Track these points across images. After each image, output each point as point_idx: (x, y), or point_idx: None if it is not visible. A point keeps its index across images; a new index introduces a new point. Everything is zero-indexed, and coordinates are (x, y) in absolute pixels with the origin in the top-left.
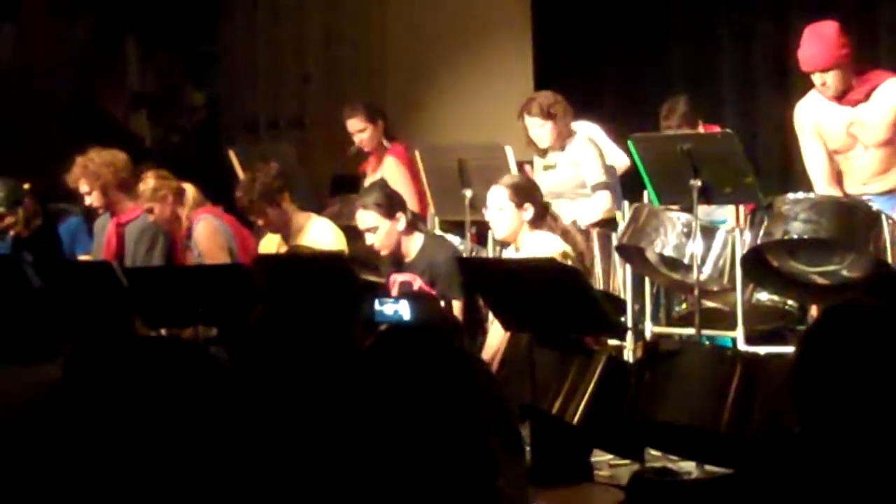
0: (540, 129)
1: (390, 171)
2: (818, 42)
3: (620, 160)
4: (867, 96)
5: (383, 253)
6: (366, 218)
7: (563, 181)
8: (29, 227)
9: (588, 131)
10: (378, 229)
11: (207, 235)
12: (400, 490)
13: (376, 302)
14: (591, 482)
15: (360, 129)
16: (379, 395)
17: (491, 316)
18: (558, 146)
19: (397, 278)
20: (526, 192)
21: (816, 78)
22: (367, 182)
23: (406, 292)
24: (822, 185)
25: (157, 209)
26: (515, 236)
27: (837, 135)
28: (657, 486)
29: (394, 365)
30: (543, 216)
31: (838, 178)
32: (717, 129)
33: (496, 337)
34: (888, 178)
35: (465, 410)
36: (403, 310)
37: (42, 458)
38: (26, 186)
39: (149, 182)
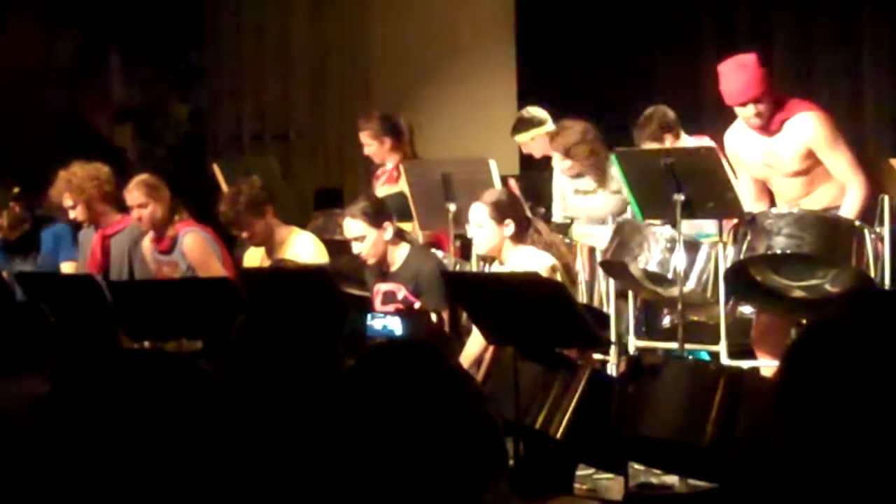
0: (561, 164)
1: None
2: (744, 73)
3: None
4: (780, 127)
5: (370, 262)
6: (353, 227)
7: (602, 207)
8: (16, 231)
9: None
10: (365, 238)
11: (200, 247)
12: (388, 502)
13: (368, 316)
14: (572, 496)
15: (366, 144)
16: (369, 409)
17: (470, 326)
18: (594, 177)
19: (381, 288)
20: (507, 208)
21: (748, 109)
22: (382, 192)
23: (398, 308)
24: (749, 204)
25: (151, 207)
26: (498, 252)
27: (755, 164)
28: (650, 501)
29: (386, 379)
30: (526, 231)
31: (769, 194)
32: (704, 137)
33: (473, 346)
34: (813, 199)
35: (455, 426)
36: (394, 324)
37: (33, 469)
38: (16, 190)
39: (146, 179)
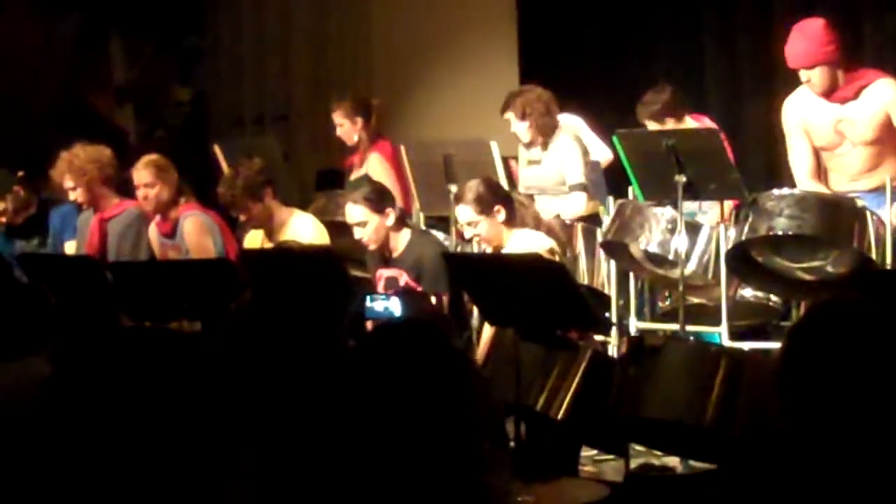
0: (517, 125)
1: (374, 167)
2: (803, 39)
3: (604, 154)
4: (856, 94)
5: (371, 248)
6: (355, 212)
7: (546, 177)
8: (21, 215)
9: (572, 125)
10: (367, 224)
11: (197, 231)
12: (390, 484)
13: (367, 298)
14: (576, 477)
15: (339, 124)
16: (372, 390)
17: (472, 307)
18: (540, 143)
19: (384, 273)
20: (489, 197)
21: (802, 75)
22: (351, 177)
23: (398, 289)
24: (805, 181)
25: (158, 188)
26: (499, 241)
27: (825, 132)
28: (651, 482)
29: (388, 359)
30: (515, 210)
31: (822, 174)
32: (705, 118)
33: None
34: (876, 176)
35: (458, 408)
36: (394, 306)
37: (36, 451)
38: (20, 174)
39: (156, 159)
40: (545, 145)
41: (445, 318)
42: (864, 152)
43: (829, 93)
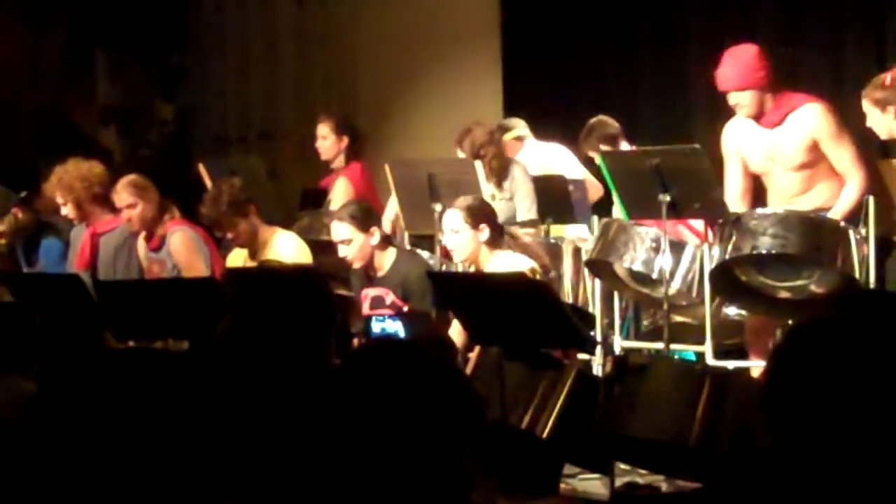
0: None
1: (338, 190)
2: (735, 64)
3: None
4: (783, 119)
5: (356, 266)
6: (340, 230)
7: (501, 213)
8: (21, 237)
9: (557, 154)
10: (352, 242)
11: (186, 247)
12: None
13: (372, 320)
14: (557, 496)
15: (322, 136)
16: (357, 408)
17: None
18: (493, 181)
19: (369, 293)
20: (481, 213)
21: (731, 98)
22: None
23: (400, 310)
24: (733, 203)
25: (140, 207)
26: (475, 258)
27: (756, 158)
28: (636, 500)
29: (373, 378)
30: (501, 236)
31: (753, 194)
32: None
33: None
34: (810, 198)
35: (443, 426)
36: (396, 328)
37: (22, 469)
38: (23, 194)
39: (134, 179)
40: (499, 184)
41: (448, 339)
42: (794, 177)
43: (757, 117)
